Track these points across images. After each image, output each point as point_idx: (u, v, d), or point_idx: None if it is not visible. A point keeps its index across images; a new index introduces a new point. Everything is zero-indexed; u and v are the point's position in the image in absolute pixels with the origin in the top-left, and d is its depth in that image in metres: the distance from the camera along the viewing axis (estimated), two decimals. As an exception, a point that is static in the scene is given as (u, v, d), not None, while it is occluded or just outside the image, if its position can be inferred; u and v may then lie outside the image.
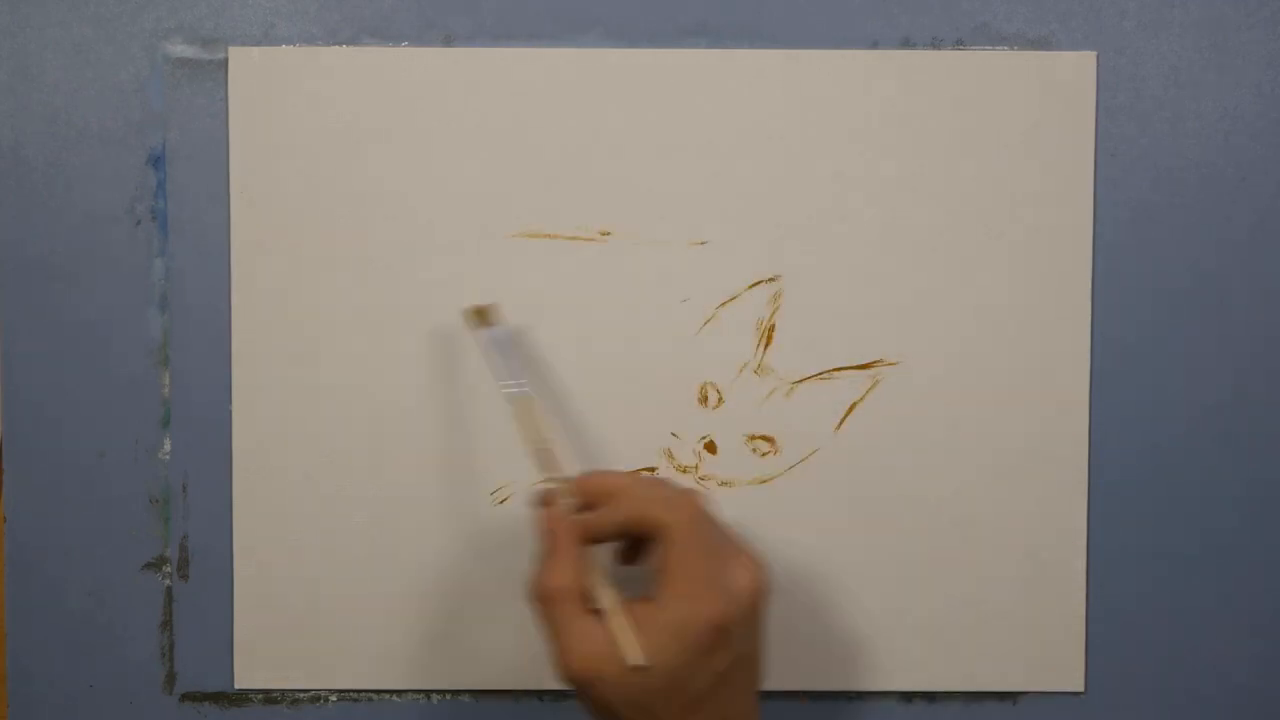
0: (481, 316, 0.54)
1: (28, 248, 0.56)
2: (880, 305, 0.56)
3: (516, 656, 0.57)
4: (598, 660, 0.45)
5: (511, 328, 0.55)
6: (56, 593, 0.57)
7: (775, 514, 0.57)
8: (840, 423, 0.56)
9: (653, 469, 0.56)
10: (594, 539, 0.48)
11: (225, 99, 0.56)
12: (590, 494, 0.49)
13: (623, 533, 0.49)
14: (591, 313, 0.56)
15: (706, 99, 0.56)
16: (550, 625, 0.47)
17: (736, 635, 0.46)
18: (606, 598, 0.46)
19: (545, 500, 0.49)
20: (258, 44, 0.56)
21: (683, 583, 0.46)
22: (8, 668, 0.57)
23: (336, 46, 0.56)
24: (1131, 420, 0.57)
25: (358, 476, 0.56)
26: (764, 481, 0.57)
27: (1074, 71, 0.56)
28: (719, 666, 0.46)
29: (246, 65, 0.56)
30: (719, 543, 0.48)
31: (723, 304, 0.56)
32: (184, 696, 0.57)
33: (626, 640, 0.45)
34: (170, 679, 0.57)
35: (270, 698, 0.57)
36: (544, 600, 0.47)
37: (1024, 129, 0.56)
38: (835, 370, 0.56)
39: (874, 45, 0.56)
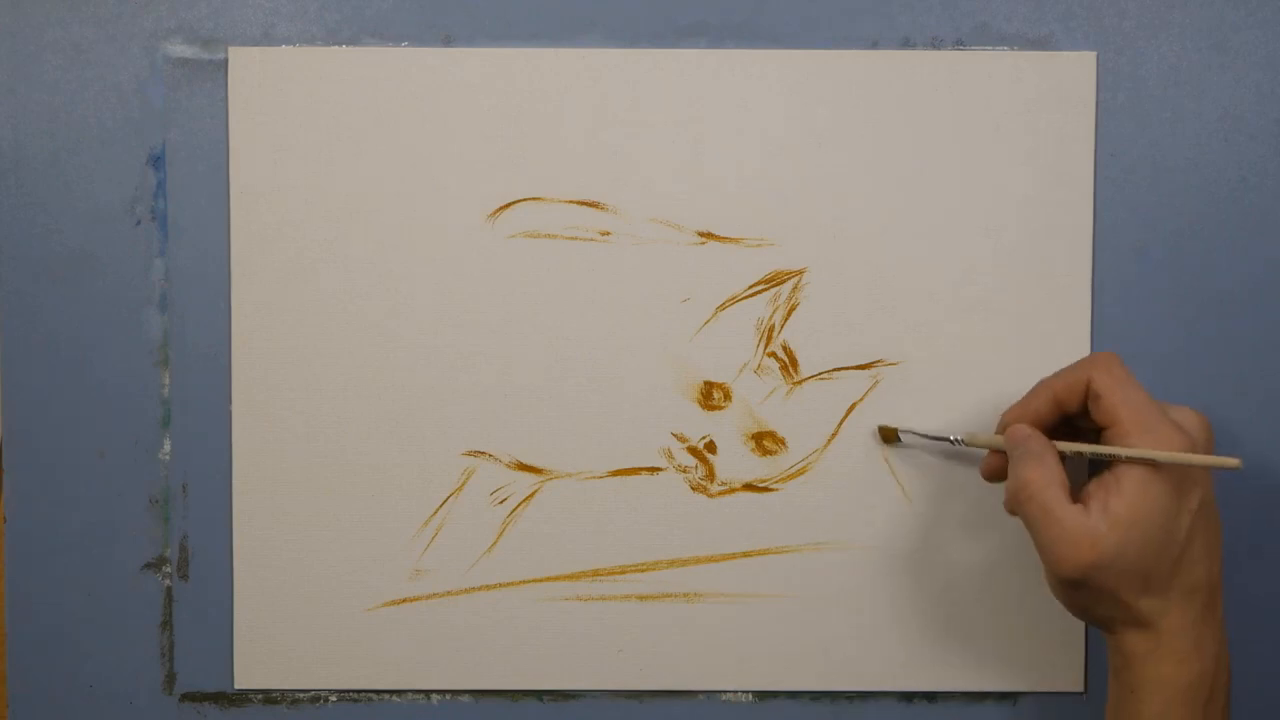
0: (888, 438, 0.56)
1: (28, 248, 0.56)
2: (880, 305, 0.56)
3: (516, 656, 0.57)
4: (1092, 541, 0.46)
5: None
6: (56, 593, 0.57)
7: (775, 513, 0.57)
8: (840, 423, 0.56)
9: (655, 469, 0.56)
10: (1044, 420, 0.50)
11: (225, 99, 0.56)
12: (1024, 408, 0.51)
13: (1059, 405, 0.50)
14: (591, 313, 0.56)
15: (706, 99, 0.56)
16: (1038, 514, 0.47)
17: (1200, 470, 0.47)
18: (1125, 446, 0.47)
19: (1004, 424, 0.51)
20: (258, 44, 0.56)
21: (1139, 417, 0.47)
22: (8, 668, 0.57)
23: (336, 46, 0.56)
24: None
25: (358, 477, 0.56)
26: (764, 481, 0.57)
27: (1074, 71, 0.56)
28: (1192, 504, 0.47)
29: (246, 65, 0.56)
30: (1147, 392, 0.49)
31: (723, 304, 0.56)
32: (184, 696, 0.57)
33: (1197, 459, 0.47)
34: (170, 679, 0.57)
35: (270, 698, 0.57)
36: (1028, 490, 0.48)
37: (1024, 129, 0.56)
38: (835, 370, 0.56)
39: (874, 45, 0.56)
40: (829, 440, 0.56)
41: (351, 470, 0.56)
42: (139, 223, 0.56)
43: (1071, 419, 0.51)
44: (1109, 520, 0.46)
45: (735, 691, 0.57)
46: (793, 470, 0.57)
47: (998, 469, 0.53)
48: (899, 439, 0.56)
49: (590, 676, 0.57)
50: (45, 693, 0.57)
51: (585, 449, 0.56)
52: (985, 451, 0.54)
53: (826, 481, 0.56)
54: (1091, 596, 0.47)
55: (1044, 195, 0.56)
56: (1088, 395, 0.49)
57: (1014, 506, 0.49)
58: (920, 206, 0.56)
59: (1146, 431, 0.47)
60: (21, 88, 0.56)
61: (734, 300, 0.56)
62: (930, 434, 0.55)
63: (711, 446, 0.57)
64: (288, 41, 0.56)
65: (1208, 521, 0.48)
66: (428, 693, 0.57)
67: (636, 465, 0.57)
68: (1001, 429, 0.52)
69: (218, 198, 0.56)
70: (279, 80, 0.56)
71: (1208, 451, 0.49)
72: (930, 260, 0.56)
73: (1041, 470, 0.48)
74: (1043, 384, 0.51)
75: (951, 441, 0.55)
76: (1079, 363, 0.50)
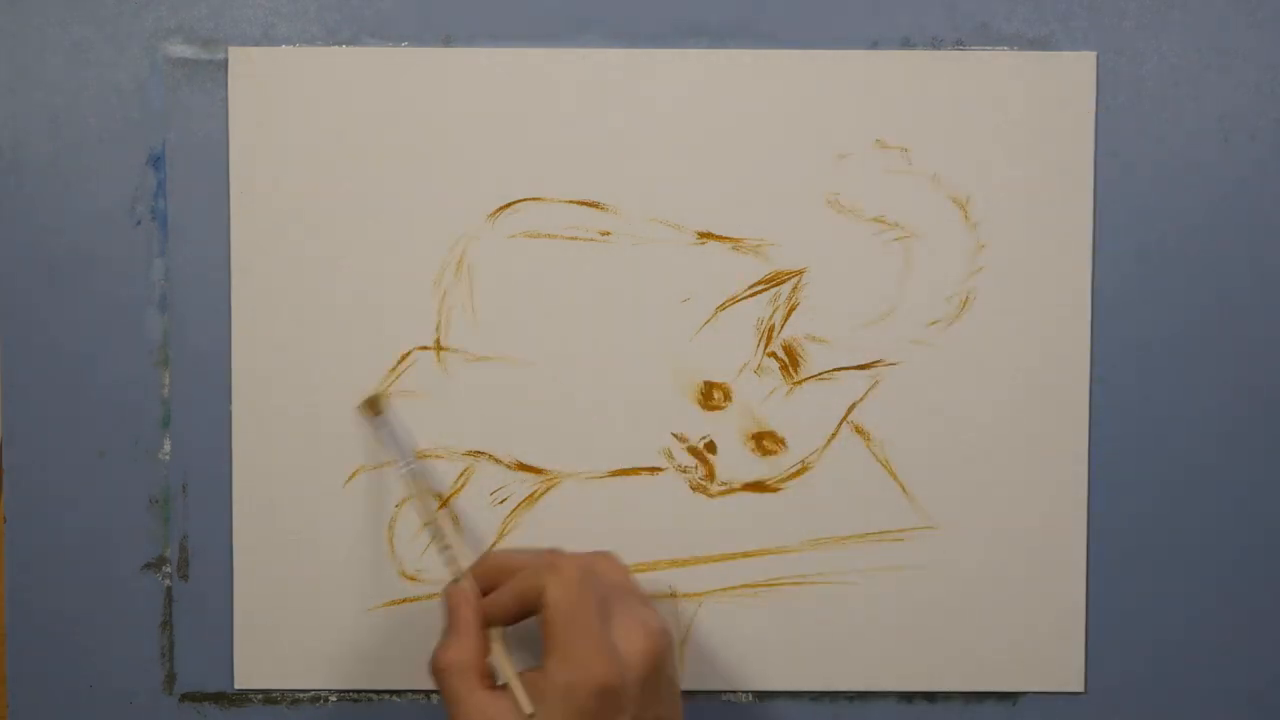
0: (373, 407, 0.55)
1: (28, 248, 0.56)
2: (880, 305, 0.56)
3: (516, 657, 0.57)
4: None
5: (394, 415, 0.55)
6: (56, 593, 0.57)
7: (775, 513, 0.57)
8: (840, 423, 0.56)
9: (655, 469, 0.56)
10: (492, 621, 0.50)
11: (225, 99, 0.56)
12: (489, 574, 0.51)
13: (517, 609, 0.49)
14: (591, 312, 0.56)
15: (706, 99, 0.56)
16: (448, 698, 0.48)
17: (629, 698, 0.46)
18: (500, 658, 0.48)
19: (452, 577, 0.51)
20: (258, 44, 0.56)
21: (564, 647, 0.47)
22: (8, 668, 0.57)
23: (336, 46, 0.56)
24: (1132, 420, 0.57)
25: (358, 477, 0.56)
26: (764, 481, 0.57)
27: (1074, 71, 0.56)
28: (647, 715, 0.46)
29: (246, 65, 0.56)
30: (610, 605, 0.48)
31: (723, 304, 0.56)
32: (184, 696, 0.57)
33: (518, 690, 0.47)
34: (170, 679, 0.57)
35: (270, 698, 0.57)
36: (442, 673, 0.48)
37: (1024, 129, 0.56)
38: (835, 370, 0.56)
39: (874, 45, 0.56)
40: (829, 440, 0.56)
41: (351, 470, 0.56)
42: (139, 223, 0.56)
43: None
44: None
45: (735, 691, 0.57)
46: (793, 470, 0.57)
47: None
48: (379, 411, 0.55)
49: (590, 676, 0.57)
50: (45, 693, 0.57)
51: (585, 449, 0.56)
52: None
53: (826, 481, 0.56)
54: None
55: (1044, 196, 0.56)
56: (537, 607, 0.48)
57: (432, 676, 0.49)
58: (920, 206, 0.56)
59: (565, 658, 0.46)
60: (21, 88, 0.56)
61: (734, 300, 0.56)
62: (399, 443, 0.55)
63: (711, 446, 0.57)
64: (288, 41, 0.56)
65: None
66: (428, 693, 0.57)
67: (636, 465, 0.57)
68: (480, 570, 0.51)
69: (218, 198, 0.56)
70: (279, 80, 0.56)
71: (648, 667, 0.47)
72: (929, 260, 0.56)
73: (459, 652, 0.49)
74: (512, 569, 0.50)
75: (401, 465, 0.54)
76: (544, 570, 0.48)
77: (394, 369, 0.56)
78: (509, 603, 0.50)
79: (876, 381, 0.56)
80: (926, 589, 0.57)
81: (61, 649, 0.57)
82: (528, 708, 0.46)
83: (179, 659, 0.57)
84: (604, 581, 0.50)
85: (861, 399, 0.56)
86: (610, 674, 0.46)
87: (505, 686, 0.48)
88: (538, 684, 0.47)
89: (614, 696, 0.46)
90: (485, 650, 0.49)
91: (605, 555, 0.52)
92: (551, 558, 0.50)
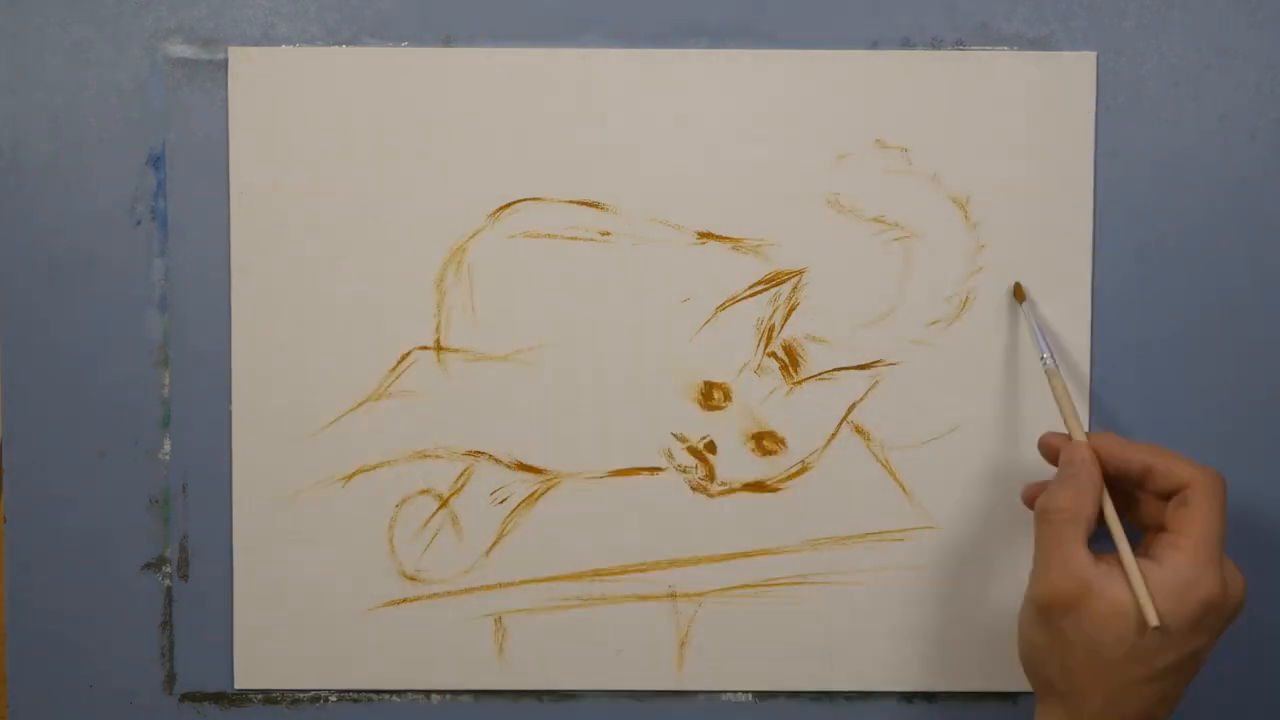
0: (1020, 293, 0.55)
1: (28, 248, 0.56)
2: (880, 305, 0.56)
3: (516, 656, 0.57)
4: (1081, 585, 0.45)
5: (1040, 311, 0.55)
6: (56, 593, 0.57)
7: (775, 514, 0.57)
8: (840, 423, 0.56)
9: (655, 469, 0.56)
10: (1114, 467, 0.48)
11: (225, 99, 0.56)
12: (1115, 443, 0.49)
13: (1143, 473, 0.48)
14: (591, 312, 0.56)
15: (706, 99, 0.56)
16: (1044, 542, 0.47)
17: (1213, 623, 0.46)
18: (1125, 549, 0.46)
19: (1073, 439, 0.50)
20: (257, 44, 0.56)
21: (1202, 548, 0.45)
22: (8, 668, 0.57)
23: (336, 46, 0.56)
24: (1132, 420, 0.56)
25: (358, 477, 0.56)
26: (764, 481, 0.57)
27: (1074, 71, 0.56)
28: (1187, 646, 0.45)
29: (246, 65, 0.56)
30: (1223, 531, 0.47)
31: (723, 304, 0.56)
32: (184, 696, 0.57)
33: (1144, 598, 0.45)
34: (170, 679, 0.57)
35: (270, 698, 0.57)
36: (1047, 516, 0.47)
37: (1024, 129, 0.56)
38: (835, 370, 0.56)
39: (874, 45, 0.56)
40: (829, 440, 0.56)
41: (351, 469, 0.56)
42: (139, 223, 0.56)
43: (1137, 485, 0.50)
44: (1107, 594, 0.45)
45: (735, 691, 0.57)
46: (793, 470, 0.57)
47: (1036, 498, 0.51)
48: (1027, 297, 0.55)
49: (590, 676, 0.57)
50: (45, 693, 0.57)
51: (585, 449, 0.56)
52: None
53: (826, 481, 0.56)
54: (1047, 642, 0.46)
55: (1044, 196, 0.56)
56: (1172, 493, 0.48)
57: (1036, 517, 0.48)
58: (920, 206, 0.56)
59: (1199, 566, 0.45)
60: (21, 88, 0.56)
61: (734, 300, 0.56)
62: (1042, 335, 0.54)
63: (711, 446, 0.57)
64: (288, 41, 0.56)
65: (1177, 680, 0.46)
66: (428, 693, 0.57)
67: (636, 465, 0.57)
68: (1099, 443, 0.50)
69: (218, 198, 0.56)
70: (279, 80, 0.56)
71: (1230, 616, 0.47)
72: (930, 260, 0.56)
73: (1075, 501, 0.47)
74: (1146, 449, 0.49)
75: (1042, 360, 0.53)
76: (1189, 463, 0.48)
77: (394, 369, 0.56)
78: (1139, 461, 0.48)
79: (876, 381, 0.56)
80: (926, 589, 0.57)
81: (61, 649, 0.57)
82: (1154, 620, 0.44)
83: (179, 659, 0.57)
84: None
85: (861, 399, 0.56)
86: (1218, 594, 0.45)
87: (1098, 555, 0.46)
88: (1146, 570, 0.45)
89: (1211, 614, 0.45)
90: (1095, 504, 0.47)
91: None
92: (1185, 458, 0.48)
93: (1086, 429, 0.56)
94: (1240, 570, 0.48)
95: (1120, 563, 0.47)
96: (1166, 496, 0.48)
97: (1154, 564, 0.46)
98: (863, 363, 0.56)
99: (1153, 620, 0.44)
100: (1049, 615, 0.46)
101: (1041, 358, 0.53)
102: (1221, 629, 0.47)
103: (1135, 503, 0.50)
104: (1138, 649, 0.45)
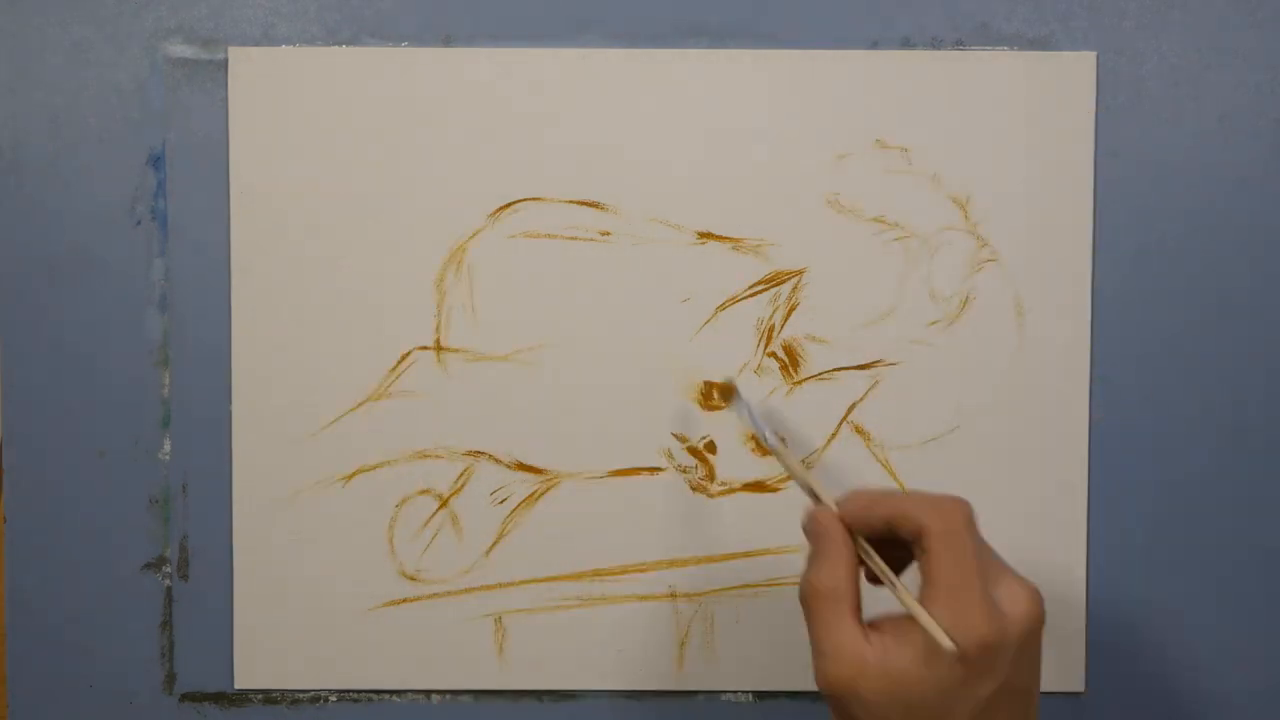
0: (726, 397, 0.55)
1: (28, 248, 0.56)
2: (880, 305, 0.56)
3: (516, 656, 0.57)
4: (856, 667, 0.43)
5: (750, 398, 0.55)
6: (56, 593, 0.57)
7: (775, 513, 0.57)
8: (840, 423, 0.56)
9: (655, 469, 0.56)
10: (861, 527, 0.46)
11: (225, 99, 0.56)
12: (856, 508, 0.46)
13: (887, 527, 0.45)
14: (591, 313, 0.56)
15: (706, 99, 0.56)
16: (815, 626, 0.45)
17: (1004, 661, 0.43)
18: (902, 594, 0.44)
19: (816, 504, 0.47)
20: (257, 44, 0.56)
21: (947, 593, 0.43)
22: (8, 668, 0.57)
23: (336, 46, 0.56)
24: (1131, 420, 0.57)
25: (358, 477, 0.56)
26: (764, 481, 0.57)
27: (1074, 71, 0.56)
28: (982, 692, 0.43)
29: (246, 65, 0.56)
30: (989, 560, 0.44)
31: (723, 304, 0.56)
32: (184, 696, 0.57)
33: (932, 629, 0.42)
34: (170, 679, 0.57)
35: (270, 698, 0.57)
36: (812, 599, 0.45)
37: (1024, 129, 0.56)
38: (835, 370, 0.56)
39: (874, 45, 0.56)
40: (829, 440, 0.56)
41: (351, 469, 0.56)
42: (139, 223, 0.56)
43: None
44: (888, 666, 0.43)
45: (735, 691, 0.57)
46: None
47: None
48: (736, 397, 0.54)
49: (590, 676, 0.57)
50: (45, 693, 0.57)
51: (585, 449, 0.56)
52: None
53: (826, 482, 0.56)
54: (843, 717, 0.44)
55: (1044, 196, 0.56)
56: (917, 538, 0.44)
57: (800, 601, 0.46)
58: (920, 206, 0.56)
59: (957, 613, 0.42)
60: (21, 88, 0.56)
61: (734, 300, 0.56)
62: (757, 418, 0.52)
63: (711, 446, 0.57)
64: (288, 41, 0.56)
65: (1010, 710, 0.44)
66: (428, 693, 0.57)
67: (636, 465, 0.57)
68: (846, 504, 0.47)
69: (218, 198, 0.56)
70: (279, 80, 0.56)
71: (1018, 644, 0.43)
72: (930, 260, 0.56)
73: (830, 576, 0.45)
74: (889, 500, 0.46)
75: (764, 437, 0.51)
76: (925, 506, 0.45)
77: (394, 369, 0.56)
78: (877, 525, 0.45)
79: (876, 381, 0.56)
80: (926, 589, 0.57)
81: (61, 649, 0.57)
82: (949, 644, 0.42)
83: (179, 659, 0.57)
84: (980, 535, 0.45)
85: (861, 399, 0.56)
86: (992, 630, 0.42)
87: (872, 623, 0.44)
88: (905, 631, 0.43)
89: (991, 655, 0.42)
90: (855, 577, 0.45)
91: (969, 503, 0.46)
92: (926, 495, 0.45)
93: (1086, 429, 0.56)
94: (1026, 582, 0.44)
95: (901, 616, 0.44)
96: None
97: (911, 619, 0.44)
98: (863, 363, 0.56)
99: (947, 645, 0.42)
100: (837, 703, 0.44)
101: (764, 437, 0.51)
102: (1026, 655, 0.44)
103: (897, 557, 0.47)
104: (949, 692, 0.43)
